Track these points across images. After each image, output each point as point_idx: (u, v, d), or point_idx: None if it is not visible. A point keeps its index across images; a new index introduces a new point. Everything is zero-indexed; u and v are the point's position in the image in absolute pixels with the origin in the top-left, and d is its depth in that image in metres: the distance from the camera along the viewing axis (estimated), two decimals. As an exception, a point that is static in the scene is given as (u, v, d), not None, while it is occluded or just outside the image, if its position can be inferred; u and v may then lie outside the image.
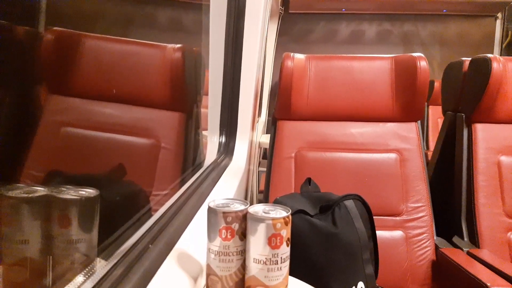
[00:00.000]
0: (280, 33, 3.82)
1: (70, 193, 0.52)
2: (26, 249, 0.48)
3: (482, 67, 1.41)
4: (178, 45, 1.24)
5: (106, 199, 0.61)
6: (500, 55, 2.87)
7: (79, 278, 0.47)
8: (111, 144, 1.10)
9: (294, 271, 0.79)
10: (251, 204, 0.55)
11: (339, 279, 0.91)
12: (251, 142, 1.42)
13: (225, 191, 0.99)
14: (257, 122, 2.41)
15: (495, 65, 1.37)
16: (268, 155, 1.48)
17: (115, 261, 0.49)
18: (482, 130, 1.43)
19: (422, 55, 1.40)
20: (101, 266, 0.49)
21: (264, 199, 1.41)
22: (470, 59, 1.52)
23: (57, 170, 0.71)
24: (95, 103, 1.13)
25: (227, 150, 1.30)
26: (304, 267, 0.91)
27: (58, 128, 0.94)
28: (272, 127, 1.51)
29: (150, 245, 0.55)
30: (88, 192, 0.53)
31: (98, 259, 0.51)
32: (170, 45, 1.25)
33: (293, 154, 1.41)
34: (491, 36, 3.79)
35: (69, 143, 0.91)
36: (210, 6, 1.27)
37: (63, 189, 0.52)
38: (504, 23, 3.74)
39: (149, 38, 1.26)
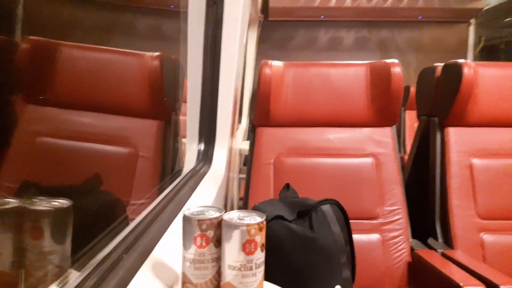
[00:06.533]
0: (261, 41, 3.84)
1: (43, 204, 0.52)
2: (-3, 261, 0.47)
3: (454, 73, 1.45)
4: (156, 53, 1.25)
5: (80, 210, 0.61)
6: (474, 60, 2.96)
7: (51, 290, 0.46)
8: (88, 153, 1.09)
9: (273, 276, 0.80)
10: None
11: (317, 283, 0.92)
12: (230, 149, 1.43)
13: (203, 199, 0.99)
14: (237, 129, 2.41)
15: (466, 70, 1.41)
16: (247, 162, 1.48)
17: (88, 271, 0.49)
18: (454, 134, 1.46)
19: (396, 61, 1.43)
20: (73, 277, 0.49)
21: (244, 206, 1.41)
22: (442, 64, 1.56)
23: (31, 181, 0.71)
24: (72, 113, 1.12)
25: (206, 157, 1.30)
26: (282, 272, 0.92)
27: (34, 138, 0.94)
28: (251, 134, 1.52)
29: (123, 255, 0.55)
30: (61, 203, 0.53)
31: (71, 270, 0.51)
32: (148, 53, 1.25)
33: (272, 160, 1.42)
34: (465, 42, 3.90)
35: (45, 153, 0.90)
36: (188, 14, 1.28)
37: (35, 200, 0.52)
38: (477, 29, 3.85)
39: (128, 46, 1.26)
